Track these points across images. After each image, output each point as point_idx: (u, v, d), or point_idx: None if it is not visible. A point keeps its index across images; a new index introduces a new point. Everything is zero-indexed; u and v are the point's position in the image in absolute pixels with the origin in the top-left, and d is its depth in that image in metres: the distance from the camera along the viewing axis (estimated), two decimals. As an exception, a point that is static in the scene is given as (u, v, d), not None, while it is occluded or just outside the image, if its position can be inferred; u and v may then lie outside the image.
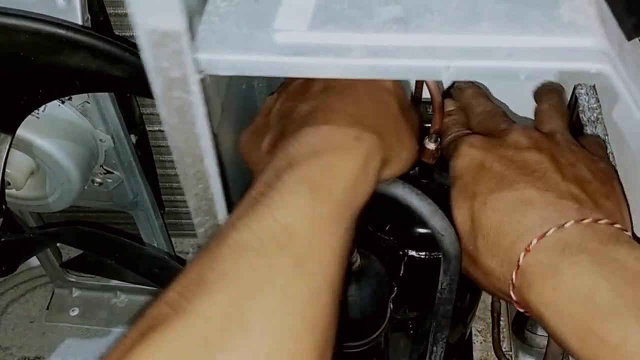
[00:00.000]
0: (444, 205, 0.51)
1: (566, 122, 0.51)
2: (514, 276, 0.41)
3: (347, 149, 0.40)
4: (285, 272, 0.35)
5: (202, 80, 0.35)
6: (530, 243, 0.40)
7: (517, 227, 0.42)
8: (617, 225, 0.41)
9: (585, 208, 0.42)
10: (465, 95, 0.57)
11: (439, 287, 0.57)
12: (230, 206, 0.41)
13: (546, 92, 0.54)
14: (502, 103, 0.62)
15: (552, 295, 0.39)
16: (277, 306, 0.34)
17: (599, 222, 0.40)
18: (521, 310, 0.43)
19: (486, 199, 0.44)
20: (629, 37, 0.41)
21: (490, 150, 0.46)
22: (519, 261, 0.41)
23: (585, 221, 0.40)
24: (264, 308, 0.33)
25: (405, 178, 0.50)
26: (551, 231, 0.40)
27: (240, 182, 0.51)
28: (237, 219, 0.37)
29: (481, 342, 1.02)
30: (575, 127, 0.53)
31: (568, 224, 0.40)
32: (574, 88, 0.56)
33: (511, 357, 0.95)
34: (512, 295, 0.42)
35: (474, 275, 0.47)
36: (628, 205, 0.45)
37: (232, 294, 0.33)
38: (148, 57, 0.32)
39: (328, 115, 0.43)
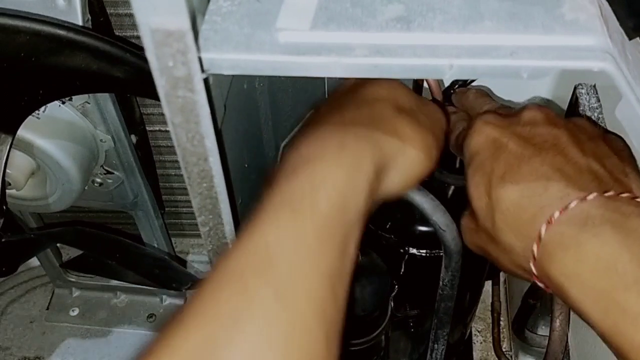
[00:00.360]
0: (445, 201, 0.51)
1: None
2: (535, 249, 0.41)
3: (328, 160, 0.38)
4: (266, 306, 0.33)
5: (205, 80, 0.35)
6: (553, 215, 0.40)
7: (538, 201, 0.41)
8: (639, 200, 0.40)
9: (606, 183, 0.41)
10: (468, 97, 0.57)
11: (441, 284, 0.57)
12: (234, 205, 0.41)
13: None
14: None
15: (575, 266, 0.39)
16: (256, 345, 0.32)
17: (621, 195, 0.40)
18: (541, 285, 0.42)
19: (505, 174, 0.43)
20: (630, 37, 0.41)
21: (507, 127, 0.46)
22: (540, 234, 0.40)
23: (607, 194, 0.40)
24: (242, 348, 0.32)
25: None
26: (573, 204, 0.40)
27: (244, 181, 0.51)
28: (227, 250, 0.36)
29: (481, 342, 1.02)
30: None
31: (590, 197, 0.40)
32: (575, 88, 0.56)
33: (511, 357, 0.95)
34: (533, 269, 0.41)
35: (493, 253, 0.46)
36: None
37: (209, 332, 0.32)
38: (152, 56, 0.32)
39: (313, 129, 0.42)
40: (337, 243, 0.37)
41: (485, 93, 0.58)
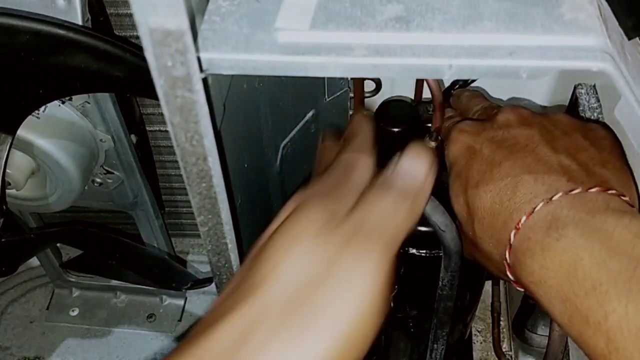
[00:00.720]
0: (445, 201, 0.51)
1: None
2: (507, 256, 0.40)
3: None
4: None
5: (205, 80, 0.35)
6: (520, 220, 0.39)
7: (508, 206, 0.41)
8: (612, 192, 0.39)
9: (577, 178, 0.40)
10: (462, 99, 0.57)
11: (440, 284, 0.57)
12: (233, 205, 0.41)
13: None
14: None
15: (540, 273, 0.37)
16: None
17: (590, 190, 0.39)
18: (521, 289, 0.42)
19: (478, 182, 0.43)
20: (629, 37, 0.41)
21: (480, 133, 0.45)
22: (510, 240, 0.40)
23: (574, 192, 0.39)
24: None
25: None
26: (539, 206, 0.39)
27: (243, 181, 0.51)
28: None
29: (481, 342, 1.02)
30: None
31: (556, 197, 0.39)
32: (574, 88, 0.56)
33: (511, 357, 0.95)
34: (510, 276, 0.41)
35: (479, 260, 0.46)
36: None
37: None
38: (151, 56, 0.32)
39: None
40: None
41: (478, 94, 0.58)
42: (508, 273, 0.41)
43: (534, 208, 0.39)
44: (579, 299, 0.35)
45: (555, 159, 0.42)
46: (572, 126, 0.45)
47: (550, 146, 0.42)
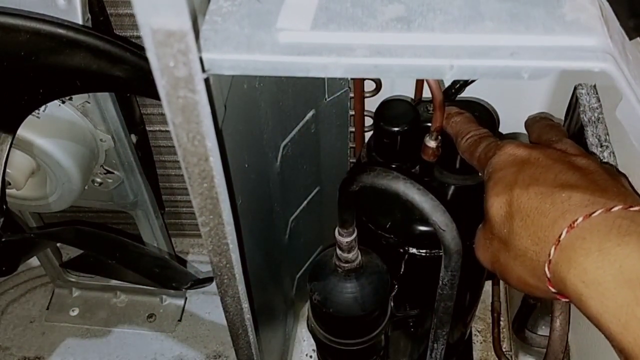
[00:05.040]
0: (445, 201, 0.51)
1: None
2: (552, 251, 0.40)
3: None
4: None
5: (206, 80, 0.35)
6: (576, 221, 0.40)
7: (561, 207, 0.41)
8: None
9: (627, 199, 0.41)
10: (455, 123, 0.58)
11: (440, 283, 0.57)
12: (235, 205, 0.41)
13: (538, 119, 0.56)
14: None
15: (595, 273, 0.38)
16: None
17: None
18: (552, 290, 0.42)
19: (529, 184, 0.44)
20: (631, 37, 0.41)
21: (537, 148, 0.47)
22: (560, 237, 0.40)
23: (633, 208, 0.40)
24: None
25: (406, 175, 0.50)
26: (598, 212, 0.39)
27: (244, 181, 0.51)
28: None
29: (481, 342, 1.02)
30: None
31: (615, 208, 0.40)
32: (575, 88, 0.56)
33: (511, 357, 0.95)
34: (547, 272, 0.41)
35: (504, 262, 0.46)
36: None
37: None
38: (153, 56, 0.32)
39: None
40: None
41: (471, 119, 0.58)
42: (546, 269, 0.41)
43: (592, 213, 0.40)
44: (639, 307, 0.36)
45: (607, 178, 0.43)
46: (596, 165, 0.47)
47: (607, 174, 0.44)
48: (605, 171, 0.44)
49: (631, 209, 0.40)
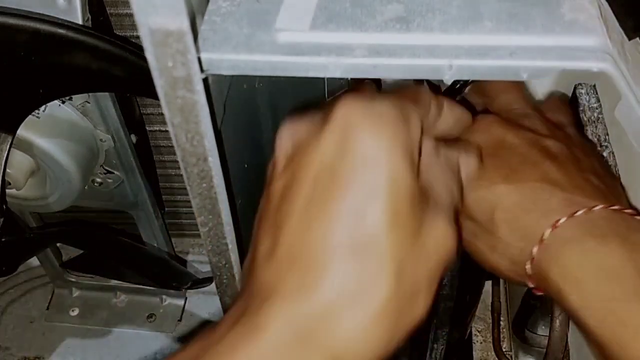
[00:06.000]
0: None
1: (573, 117, 0.51)
2: (534, 250, 0.41)
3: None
4: None
5: (205, 80, 0.35)
6: (558, 220, 0.40)
7: (542, 205, 0.42)
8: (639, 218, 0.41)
9: (608, 198, 0.42)
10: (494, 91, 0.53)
11: (440, 284, 0.57)
12: (234, 205, 0.41)
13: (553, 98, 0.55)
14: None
15: (577, 270, 0.39)
16: None
17: (625, 211, 0.41)
18: (530, 285, 0.43)
19: (509, 174, 0.43)
20: (630, 37, 0.41)
21: (511, 129, 0.46)
22: (543, 236, 0.40)
23: (612, 207, 0.40)
24: None
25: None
26: (580, 212, 0.40)
27: (243, 181, 0.51)
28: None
29: (481, 342, 1.02)
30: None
31: (597, 208, 0.40)
32: (574, 87, 0.56)
33: (511, 357, 0.95)
34: (528, 269, 0.42)
35: (481, 247, 0.46)
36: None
37: None
38: (151, 56, 0.32)
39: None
40: None
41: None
42: (528, 266, 0.42)
43: (575, 212, 0.40)
44: (619, 303, 0.37)
45: (586, 176, 0.43)
46: (588, 151, 0.46)
47: (577, 164, 0.44)
48: (576, 161, 0.44)
49: (611, 207, 0.40)
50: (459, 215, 0.46)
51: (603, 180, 0.44)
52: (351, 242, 0.33)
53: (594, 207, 0.40)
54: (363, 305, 0.33)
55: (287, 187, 0.36)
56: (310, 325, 0.33)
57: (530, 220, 0.42)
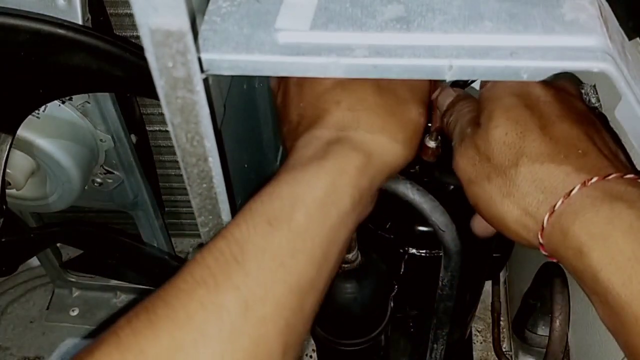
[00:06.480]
0: (445, 201, 0.51)
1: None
2: (559, 203, 0.41)
3: (310, 169, 0.40)
4: (233, 317, 0.35)
5: (205, 80, 0.35)
6: (590, 180, 0.40)
7: (574, 162, 0.41)
8: None
9: (630, 170, 0.42)
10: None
11: (440, 284, 0.57)
12: (233, 205, 0.41)
13: None
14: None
15: (605, 227, 0.39)
16: (219, 356, 0.34)
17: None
18: (539, 240, 0.42)
19: (546, 125, 0.43)
20: (630, 37, 0.41)
21: (550, 88, 0.45)
22: (571, 191, 0.40)
23: (628, 176, 0.40)
24: (206, 358, 0.34)
25: (406, 175, 0.50)
26: (612, 176, 0.40)
27: (243, 181, 0.51)
28: (204, 248, 0.37)
29: (481, 342, 1.02)
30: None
31: (628, 175, 0.40)
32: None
33: (511, 357, 0.95)
34: (545, 221, 0.41)
35: (493, 192, 0.45)
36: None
37: (178, 336, 0.34)
38: (151, 57, 0.32)
39: (295, 128, 0.44)
40: (315, 254, 0.38)
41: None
42: (545, 218, 0.42)
43: (606, 175, 0.40)
44: None
45: (614, 147, 0.44)
46: (608, 129, 0.46)
47: (604, 135, 0.44)
48: (608, 130, 0.45)
49: (627, 176, 0.40)
50: (472, 152, 0.46)
51: (624, 157, 0.44)
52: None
53: (624, 174, 0.40)
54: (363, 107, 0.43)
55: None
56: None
57: (558, 172, 0.41)
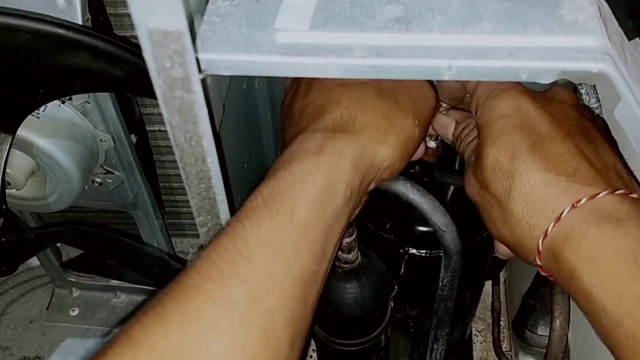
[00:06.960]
0: (445, 201, 0.51)
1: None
2: (550, 226, 0.41)
3: (307, 164, 0.40)
4: (242, 309, 0.35)
5: (203, 80, 0.35)
6: (580, 201, 0.40)
7: (565, 182, 0.41)
8: None
9: (627, 184, 0.42)
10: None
11: (440, 284, 0.57)
12: (232, 205, 0.41)
13: None
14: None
15: (592, 250, 0.39)
16: (231, 348, 0.35)
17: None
18: (537, 262, 0.43)
19: (534, 146, 0.43)
20: (629, 38, 0.41)
21: (540, 100, 0.45)
22: (561, 215, 0.41)
23: (632, 195, 0.41)
24: (217, 350, 0.34)
25: (406, 175, 0.50)
26: (602, 194, 0.40)
27: (243, 181, 0.51)
28: (207, 247, 0.38)
29: (481, 342, 1.02)
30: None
31: (618, 192, 0.40)
32: (575, 88, 0.56)
33: (511, 357, 0.95)
34: (540, 245, 0.42)
35: (495, 219, 0.46)
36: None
37: (189, 329, 0.34)
38: (149, 57, 0.31)
39: (294, 123, 0.45)
40: (315, 247, 0.39)
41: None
42: (540, 242, 0.42)
43: (596, 194, 0.40)
44: (634, 282, 0.37)
45: (610, 159, 0.43)
46: (603, 136, 0.46)
47: (603, 146, 0.44)
48: (600, 142, 0.44)
49: (631, 195, 0.41)
50: (473, 181, 0.47)
51: (619, 165, 0.44)
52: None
53: (614, 191, 0.40)
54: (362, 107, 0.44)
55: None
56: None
57: (548, 195, 0.42)
